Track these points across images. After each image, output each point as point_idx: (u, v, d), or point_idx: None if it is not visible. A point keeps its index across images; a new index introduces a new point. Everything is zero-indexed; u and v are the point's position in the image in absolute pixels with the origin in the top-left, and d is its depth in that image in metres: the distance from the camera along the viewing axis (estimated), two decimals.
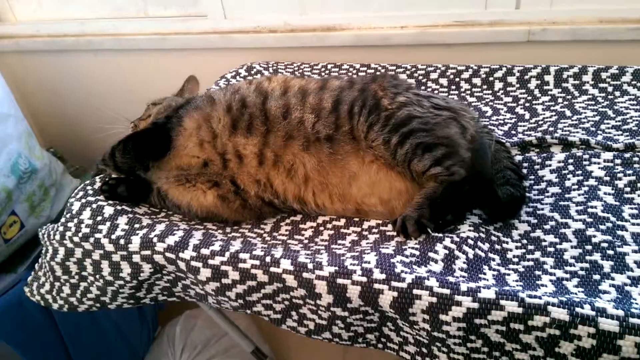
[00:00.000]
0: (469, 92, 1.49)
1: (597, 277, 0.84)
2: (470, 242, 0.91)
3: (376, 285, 0.83)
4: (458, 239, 0.91)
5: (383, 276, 0.83)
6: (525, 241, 0.94)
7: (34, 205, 1.70)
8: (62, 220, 1.10)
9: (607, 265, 0.85)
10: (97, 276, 1.06)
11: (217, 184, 1.08)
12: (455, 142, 1.00)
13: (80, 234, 1.05)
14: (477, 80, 1.50)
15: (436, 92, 1.51)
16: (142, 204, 1.15)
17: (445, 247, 0.89)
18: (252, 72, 1.70)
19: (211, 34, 1.82)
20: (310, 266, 0.88)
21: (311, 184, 1.04)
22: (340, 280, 0.85)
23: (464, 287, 0.79)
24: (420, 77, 1.55)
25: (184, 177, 1.10)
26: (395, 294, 0.82)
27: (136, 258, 1.01)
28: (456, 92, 1.50)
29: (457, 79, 1.52)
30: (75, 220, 1.07)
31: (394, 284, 0.82)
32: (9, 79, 1.84)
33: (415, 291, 0.80)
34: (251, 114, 1.08)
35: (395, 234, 0.95)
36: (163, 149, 1.11)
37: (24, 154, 1.67)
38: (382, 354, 1.72)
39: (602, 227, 0.93)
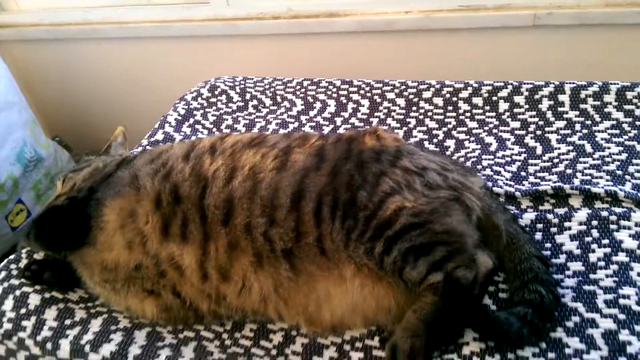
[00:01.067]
0: (468, 114, 1.31)
1: None
2: (476, 359, 0.76)
3: None
4: None
5: None
6: (544, 345, 0.79)
7: (40, 193, 1.79)
8: None
9: None
10: None
11: (154, 292, 0.88)
12: (458, 234, 0.81)
13: (1, 330, 0.91)
14: (478, 100, 1.32)
15: (430, 114, 1.33)
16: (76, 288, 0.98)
17: None
18: (216, 92, 1.50)
19: (214, 21, 1.82)
20: None
21: (272, 305, 0.84)
22: None
23: None
24: (411, 97, 1.37)
25: (110, 283, 0.89)
26: None
27: None
28: (454, 113, 1.32)
29: (455, 99, 1.34)
30: None
31: None
32: (13, 67, 1.88)
33: None
34: (185, 212, 0.86)
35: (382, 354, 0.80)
36: (80, 238, 0.90)
37: (30, 143, 1.74)
38: None
39: (638, 328, 0.78)
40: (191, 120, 1.43)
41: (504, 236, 0.89)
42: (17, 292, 0.94)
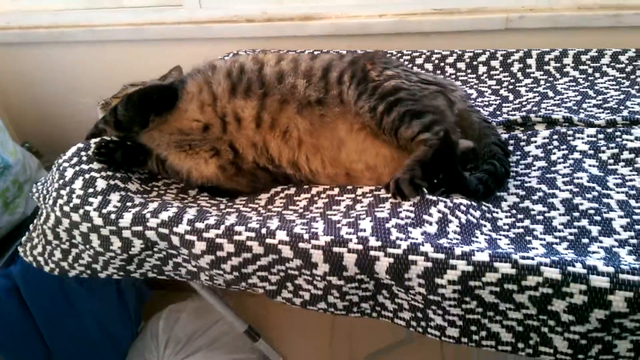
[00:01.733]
0: (453, 76, 1.51)
1: (585, 240, 0.85)
2: (463, 208, 0.92)
3: (372, 253, 0.83)
4: (451, 204, 0.92)
5: (379, 243, 0.83)
6: (514, 211, 0.96)
7: (7, 201, 1.65)
8: (56, 185, 1.06)
9: (594, 230, 0.87)
10: (87, 246, 1.04)
11: (218, 153, 1.10)
12: (441, 111, 1.02)
13: (71, 204, 1.02)
14: (461, 65, 1.52)
15: None
16: (134, 180, 1.12)
17: (439, 211, 0.90)
18: None
19: (187, 24, 1.79)
20: (306, 236, 0.88)
21: (304, 148, 1.06)
22: (336, 249, 0.85)
23: (458, 251, 0.79)
24: (406, 63, 1.56)
25: (187, 143, 1.11)
26: (391, 260, 0.82)
27: (126, 233, 0.99)
28: (441, 76, 1.51)
29: (442, 64, 1.53)
30: (68, 189, 1.04)
31: (390, 250, 0.82)
32: None
33: (410, 257, 0.81)
34: (249, 78, 1.11)
35: (389, 196, 0.96)
36: (167, 103, 1.12)
37: None
38: (369, 335, 1.74)
39: (588, 195, 0.95)
40: None
41: (476, 129, 1.09)
42: (87, 176, 1.06)
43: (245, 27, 1.74)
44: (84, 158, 1.10)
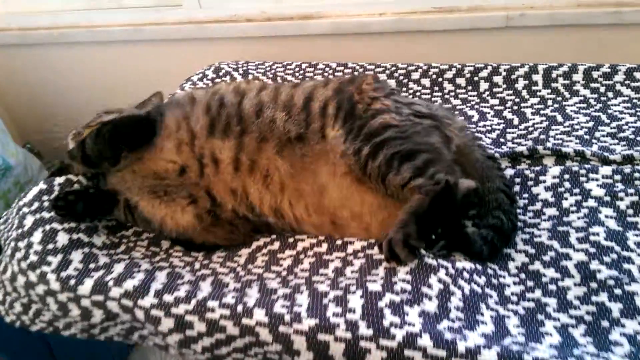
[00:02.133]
0: (452, 93, 1.36)
1: (605, 323, 0.73)
2: (466, 275, 0.80)
3: (362, 343, 0.71)
4: (453, 271, 0.79)
5: (370, 332, 0.71)
6: (523, 275, 0.83)
7: (9, 203, 1.62)
8: (14, 234, 0.94)
9: (615, 308, 0.75)
10: (46, 307, 0.92)
11: (195, 201, 0.96)
12: (435, 147, 0.89)
13: (28, 261, 0.89)
14: (461, 81, 1.37)
15: (418, 94, 1.37)
16: (100, 231, 1.00)
17: (439, 281, 0.77)
18: (220, 73, 1.53)
19: (186, 24, 1.73)
20: (287, 318, 0.76)
21: (287, 193, 0.93)
22: (321, 336, 0.73)
23: (461, 346, 0.67)
24: (401, 77, 1.41)
25: (162, 188, 0.97)
26: (384, 354, 0.70)
27: (85, 302, 0.87)
28: (439, 93, 1.36)
29: (440, 79, 1.38)
30: (26, 242, 0.91)
31: (383, 342, 0.70)
32: None
33: (407, 352, 0.69)
34: (228, 114, 0.98)
35: (383, 257, 0.82)
36: (142, 138, 0.98)
37: None
38: None
39: (606, 259, 0.82)
40: None
41: (479, 168, 0.96)
42: (47, 227, 0.93)
43: (244, 26, 1.68)
44: (45, 204, 0.97)
